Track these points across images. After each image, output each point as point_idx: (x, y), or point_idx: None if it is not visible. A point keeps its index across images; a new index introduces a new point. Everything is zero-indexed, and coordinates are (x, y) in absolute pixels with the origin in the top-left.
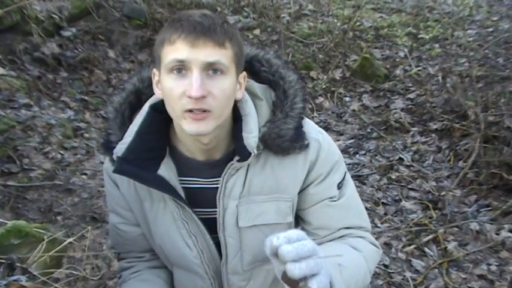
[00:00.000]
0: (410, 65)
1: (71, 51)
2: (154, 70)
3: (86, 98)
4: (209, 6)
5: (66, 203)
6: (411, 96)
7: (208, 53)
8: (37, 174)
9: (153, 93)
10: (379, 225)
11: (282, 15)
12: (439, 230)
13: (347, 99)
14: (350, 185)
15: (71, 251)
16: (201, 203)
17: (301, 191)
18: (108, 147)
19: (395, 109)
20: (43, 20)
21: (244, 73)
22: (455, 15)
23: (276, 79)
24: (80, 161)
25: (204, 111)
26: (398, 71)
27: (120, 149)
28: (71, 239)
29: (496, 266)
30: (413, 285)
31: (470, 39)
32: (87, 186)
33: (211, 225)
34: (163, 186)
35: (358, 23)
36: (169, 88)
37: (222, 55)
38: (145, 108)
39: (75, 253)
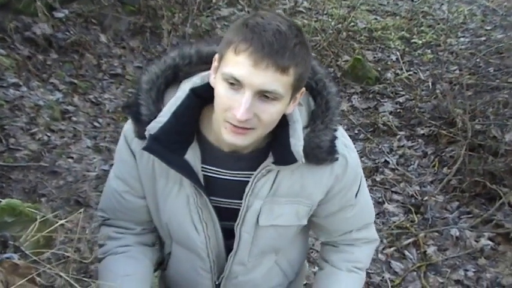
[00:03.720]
0: (401, 69)
1: (63, 33)
2: (216, 56)
3: (76, 81)
4: None
5: (51, 185)
6: (400, 100)
7: (267, 79)
8: (23, 154)
9: (191, 72)
10: None
11: (277, 11)
12: (420, 234)
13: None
14: (364, 187)
15: (54, 232)
16: (218, 192)
17: (322, 203)
18: (137, 118)
19: (384, 112)
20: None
21: (303, 89)
22: (449, 22)
23: (320, 88)
24: (66, 144)
25: (247, 128)
26: (389, 74)
27: (153, 127)
28: (63, 221)
29: (473, 272)
30: (391, 286)
31: (463, 47)
32: (73, 170)
33: (222, 213)
34: (187, 171)
35: (352, 24)
36: (219, 94)
37: (281, 83)
38: (185, 89)
39: (58, 234)
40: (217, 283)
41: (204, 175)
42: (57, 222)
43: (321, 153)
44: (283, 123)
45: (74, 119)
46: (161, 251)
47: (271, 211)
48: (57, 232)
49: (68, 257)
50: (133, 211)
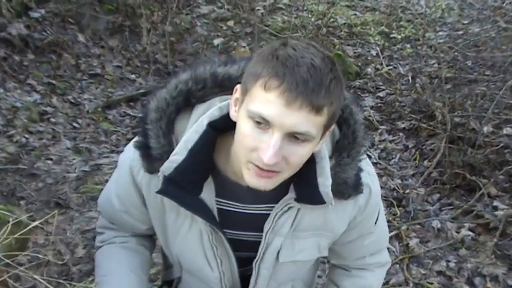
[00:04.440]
0: (381, 64)
1: (39, 33)
2: (239, 87)
3: (54, 82)
4: None
5: (30, 188)
6: (381, 94)
7: (300, 120)
8: (0, 157)
9: (204, 97)
10: None
11: (257, 8)
12: (402, 227)
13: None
14: (383, 213)
15: (35, 235)
16: (233, 225)
17: (344, 232)
18: (146, 153)
19: (365, 107)
20: None
21: (334, 126)
22: (427, 16)
23: (346, 116)
24: (45, 146)
25: (273, 171)
26: (369, 69)
27: (168, 167)
28: (36, 223)
29: (455, 263)
30: None
31: (441, 41)
32: (52, 172)
33: (238, 245)
34: (202, 210)
35: (332, 20)
36: (243, 133)
37: (314, 124)
38: (202, 123)
39: (38, 237)
40: None
41: (219, 209)
42: (34, 224)
43: (347, 189)
44: (309, 159)
45: (53, 120)
46: (165, 265)
47: (293, 247)
48: (35, 234)
49: (48, 261)
50: (128, 226)
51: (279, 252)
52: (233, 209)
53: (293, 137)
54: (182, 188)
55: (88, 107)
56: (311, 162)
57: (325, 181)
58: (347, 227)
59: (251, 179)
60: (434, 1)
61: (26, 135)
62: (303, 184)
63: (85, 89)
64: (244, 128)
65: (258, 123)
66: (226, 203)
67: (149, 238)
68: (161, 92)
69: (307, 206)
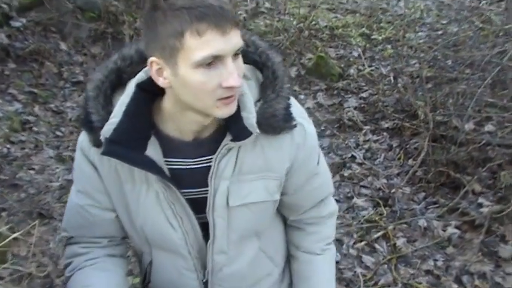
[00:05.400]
0: (363, 65)
1: (21, 42)
2: (155, 59)
3: (35, 90)
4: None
5: (12, 199)
6: (364, 95)
7: (236, 39)
8: None
9: (134, 72)
10: None
11: (239, 12)
12: (389, 227)
13: (302, 97)
14: (322, 155)
15: (17, 247)
16: (187, 183)
17: (288, 173)
18: (89, 127)
19: (349, 108)
20: None
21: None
22: (407, 17)
23: (264, 60)
24: (27, 156)
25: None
26: (352, 70)
27: (107, 130)
28: (16, 234)
29: (442, 261)
30: (364, 280)
31: (421, 41)
32: (35, 182)
33: (196, 205)
34: (151, 166)
35: (313, 22)
36: (201, 82)
37: (240, 36)
38: (132, 87)
39: (20, 249)
40: (204, 281)
41: (169, 168)
42: (14, 236)
43: (276, 121)
44: None
45: (35, 129)
46: (141, 266)
47: (240, 190)
48: (17, 246)
49: (30, 273)
50: (99, 225)
51: (228, 197)
52: (182, 166)
53: (235, 55)
54: (125, 147)
55: (71, 115)
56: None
57: (248, 115)
58: (291, 167)
59: (224, 111)
60: (413, 2)
61: (8, 145)
62: (232, 124)
63: (67, 97)
64: (198, 78)
65: (209, 64)
66: (174, 162)
67: (122, 259)
68: (95, 74)
69: (243, 144)
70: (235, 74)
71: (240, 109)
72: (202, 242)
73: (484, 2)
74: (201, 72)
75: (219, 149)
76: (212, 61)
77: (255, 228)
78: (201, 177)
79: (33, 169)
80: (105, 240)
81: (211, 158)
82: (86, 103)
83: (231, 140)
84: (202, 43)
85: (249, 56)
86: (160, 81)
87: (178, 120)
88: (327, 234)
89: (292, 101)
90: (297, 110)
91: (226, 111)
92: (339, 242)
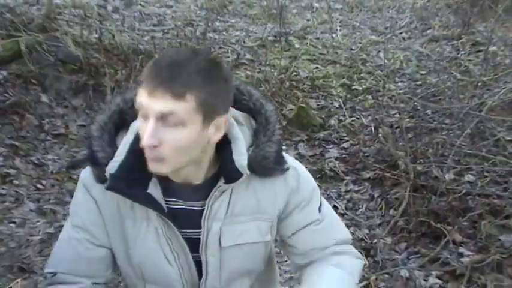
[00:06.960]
0: (344, 115)
1: (1, 95)
2: None
3: (16, 143)
4: (147, 53)
5: None
6: (345, 145)
7: (163, 105)
8: None
9: (137, 114)
10: None
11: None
12: (371, 277)
13: (283, 147)
14: (326, 204)
15: None
16: (183, 224)
17: (285, 218)
18: (94, 162)
19: (330, 158)
20: None
21: (226, 116)
22: (386, 68)
23: (258, 108)
24: (8, 209)
25: (159, 158)
26: (333, 121)
27: (113, 166)
28: None
29: None
30: None
31: (401, 91)
32: (16, 235)
33: (191, 244)
34: (153, 203)
35: (294, 73)
36: (137, 126)
37: (180, 108)
38: (136, 127)
39: None
40: None
41: (168, 207)
42: None
43: (268, 163)
44: (227, 146)
45: (16, 182)
46: None
47: (233, 231)
48: None
49: None
50: (89, 261)
51: (220, 237)
52: (179, 207)
53: (165, 120)
54: (128, 183)
55: (52, 167)
56: (229, 145)
57: (239, 157)
58: (284, 210)
59: (150, 166)
60: (392, 53)
61: None
62: (225, 167)
63: (49, 149)
64: (138, 122)
65: (142, 115)
66: (172, 201)
67: None
68: (99, 116)
69: (236, 186)
70: (146, 134)
71: (232, 153)
72: (196, 279)
73: (463, 52)
74: (140, 119)
75: (212, 192)
76: (143, 113)
77: (247, 267)
78: (196, 219)
79: (13, 222)
80: (89, 281)
81: (205, 202)
82: (91, 143)
83: (224, 183)
84: (139, 92)
85: (243, 103)
86: None
87: None
88: (343, 263)
89: (284, 152)
90: (288, 156)
91: (151, 166)
92: None
